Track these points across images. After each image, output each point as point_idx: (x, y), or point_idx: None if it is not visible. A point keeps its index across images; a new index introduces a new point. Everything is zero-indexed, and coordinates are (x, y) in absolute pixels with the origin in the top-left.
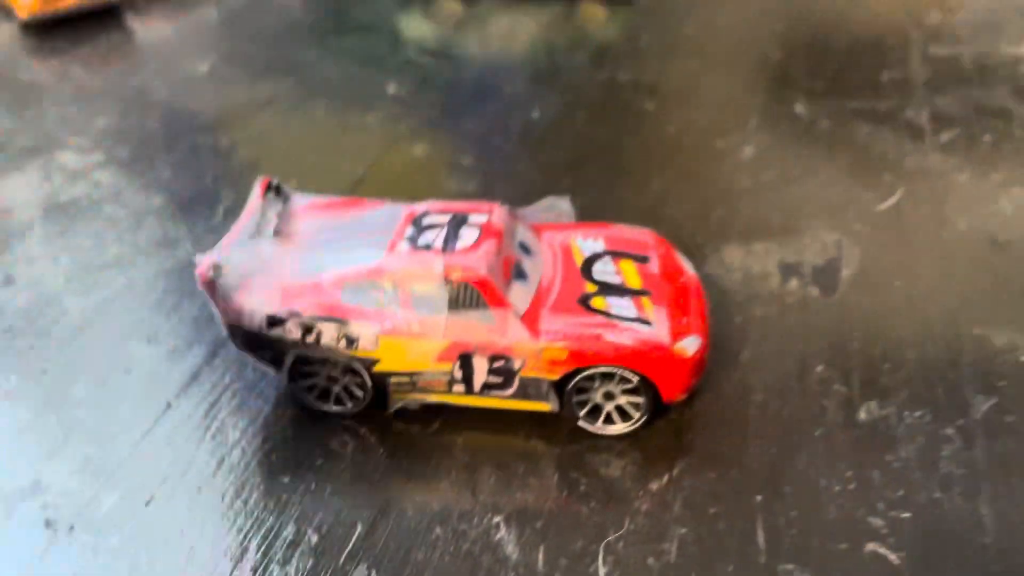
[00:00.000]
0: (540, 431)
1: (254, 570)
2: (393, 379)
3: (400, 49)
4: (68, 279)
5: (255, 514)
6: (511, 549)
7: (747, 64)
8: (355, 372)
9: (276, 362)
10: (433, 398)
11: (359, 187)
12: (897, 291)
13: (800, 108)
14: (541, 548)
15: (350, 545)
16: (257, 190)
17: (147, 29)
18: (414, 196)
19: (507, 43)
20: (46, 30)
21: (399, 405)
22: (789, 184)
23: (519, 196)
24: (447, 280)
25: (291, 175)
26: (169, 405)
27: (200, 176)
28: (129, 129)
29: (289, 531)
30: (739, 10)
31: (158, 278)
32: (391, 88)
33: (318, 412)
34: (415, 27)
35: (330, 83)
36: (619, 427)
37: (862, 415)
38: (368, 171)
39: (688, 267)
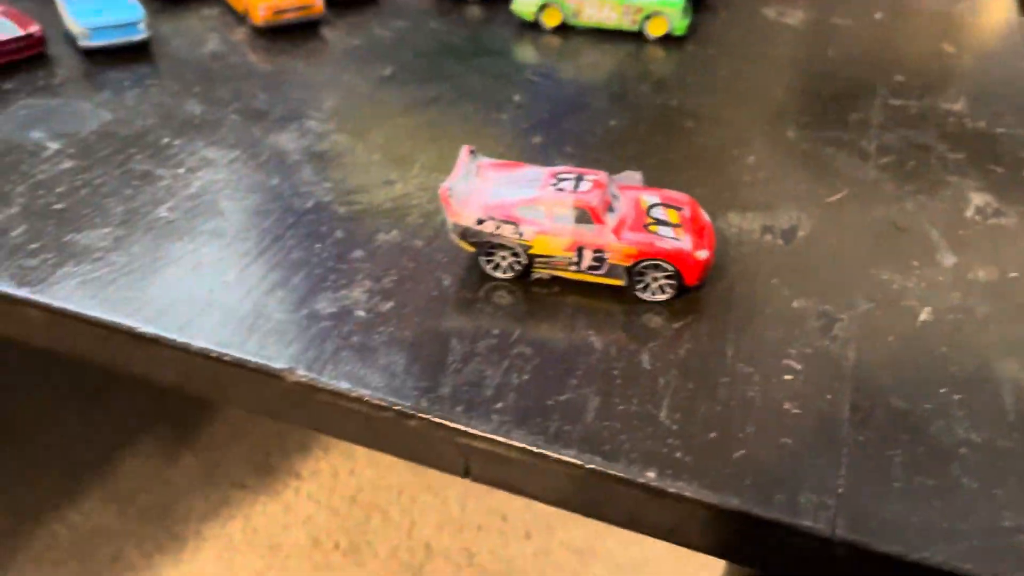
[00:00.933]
0: (615, 297)
1: (465, 349)
2: (537, 259)
3: (521, 70)
4: (332, 196)
5: (454, 317)
6: (597, 344)
7: (759, 100)
8: (517, 254)
9: (477, 246)
10: (557, 272)
11: None
12: (828, 245)
13: (790, 133)
14: (613, 346)
15: (513, 338)
16: (464, 152)
17: (338, 40)
18: None
19: (593, 71)
20: (270, 34)
21: (536, 277)
22: (774, 181)
23: None
24: (574, 207)
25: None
26: (405, 264)
27: (404, 143)
28: (354, 108)
29: (475, 331)
30: (760, 60)
31: (387, 200)
32: (516, 97)
33: (493, 278)
34: (528, 54)
35: (474, 90)
36: (659, 297)
37: (794, 304)
38: (503, 152)
39: (706, 216)
